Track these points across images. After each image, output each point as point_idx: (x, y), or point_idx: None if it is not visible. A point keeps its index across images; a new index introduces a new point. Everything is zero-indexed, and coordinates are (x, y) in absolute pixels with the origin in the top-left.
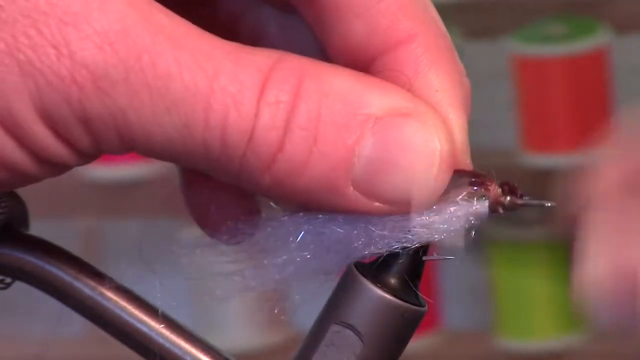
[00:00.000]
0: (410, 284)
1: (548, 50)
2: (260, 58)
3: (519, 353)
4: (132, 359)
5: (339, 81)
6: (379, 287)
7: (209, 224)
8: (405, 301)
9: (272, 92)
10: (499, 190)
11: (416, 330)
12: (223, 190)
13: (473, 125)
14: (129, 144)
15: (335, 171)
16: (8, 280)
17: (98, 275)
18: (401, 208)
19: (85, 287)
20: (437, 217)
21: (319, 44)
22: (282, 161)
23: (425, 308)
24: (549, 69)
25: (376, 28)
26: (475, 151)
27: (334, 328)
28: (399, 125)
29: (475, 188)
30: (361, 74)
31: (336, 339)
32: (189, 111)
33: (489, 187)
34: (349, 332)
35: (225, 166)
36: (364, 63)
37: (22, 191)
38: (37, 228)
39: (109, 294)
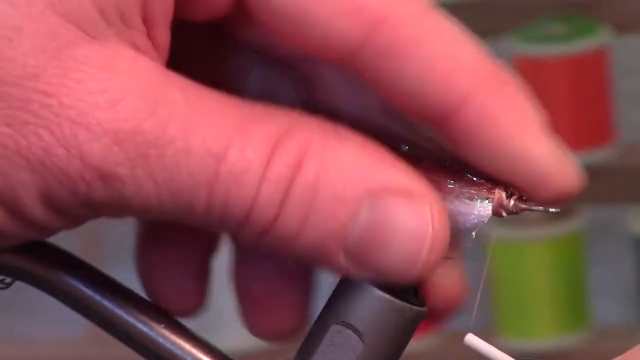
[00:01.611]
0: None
1: (548, 50)
2: (270, 127)
3: (519, 353)
4: (132, 359)
5: (342, 154)
6: (379, 286)
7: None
8: (406, 301)
9: (274, 169)
10: (503, 193)
11: (416, 330)
12: (177, 252)
13: None
14: (125, 215)
15: (327, 242)
16: (8, 280)
17: (98, 275)
18: (392, 280)
19: (85, 287)
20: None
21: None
22: (276, 229)
23: (426, 308)
24: (549, 69)
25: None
26: None
27: (335, 328)
28: (394, 205)
29: (479, 190)
30: (369, 145)
31: (337, 339)
32: (193, 197)
33: (493, 190)
34: (349, 332)
35: (221, 232)
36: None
37: None
38: None
39: (109, 294)
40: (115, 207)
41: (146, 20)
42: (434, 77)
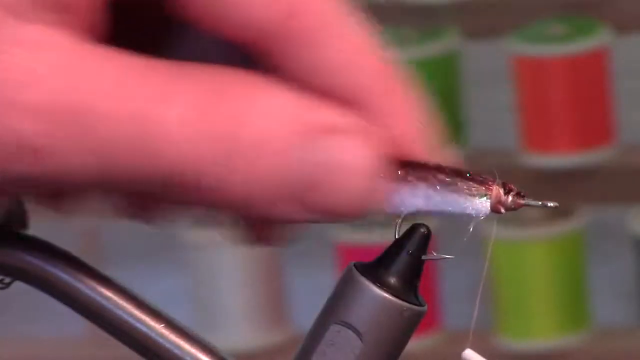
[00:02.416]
0: (410, 283)
1: (548, 50)
2: (191, 87)
3: (519, 353)
4: (132, 359)
5: (266, 100)
6: (378, 286)
7: None
8: (405, 301)
9: (195, 127)
10: (501, 190)
11: (416, 330)
12: None
13: (473, 125)
14: (60, 188)
15: (266, 191)
16: (8, 280)
17: (98, 275)
18: (340, 218)
19: (85, 287)
20: (438, 199)
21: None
22: (215, 187)
23: (426, 308)
24: (549, 69)
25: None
26: (476, 151)
27: (334, 328)
28: (327, 143)
29: (477, 186)
30: (294, 91)
31: (336, 338)
32: (123, 163)
33: (491, 187)
34: (349, 331)
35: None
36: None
37: None
38: (37, 228)
39: (109, 294)
40: (47, 182)
41: (74, 2)
42: (337, 68)
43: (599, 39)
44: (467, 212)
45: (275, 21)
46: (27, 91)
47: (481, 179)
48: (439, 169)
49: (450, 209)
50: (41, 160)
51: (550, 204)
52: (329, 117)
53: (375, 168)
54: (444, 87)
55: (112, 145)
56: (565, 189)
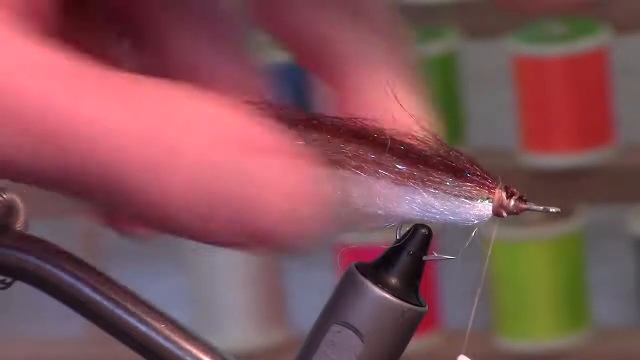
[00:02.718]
0: (411, 283)
1: (548, 50)
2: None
3: (519, 353)
4: (132, 359)
5: (188, 107)
6: (379, 287)
7: None
8: (406, 301)
9: (120, 129)
10: (504, 194)
11: (416, 330)
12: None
13: (473, 125)
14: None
15: (181, 202)
16: (8, 280)
17: (98, 275)
18: (269, 245)
19: (85, 287)
20: (438, 204)
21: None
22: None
23: (426, 308)
24: (549, 69)
25: None
26: (475, 151)
27: (335, 328)
28: (248, 160)
29: (479, 189)
30: (225, 101)
31: (337, 339)
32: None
33: (494, 191)
34: (349, 332)
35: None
36: None
37: (21, 190)
38: (37, 228)
39: (109, 294)
40: None
41: None
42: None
43: (599, 39)
44: (469, 218)
45: None
46: None
47: (482, 180)
48: (442, 171)
49: (451, 217)
50: None
51: (552, 210)
52: (251, 132)
53: (305, 190)
54: (444, 87)
55: (46, 139)
56: (565, 189)
